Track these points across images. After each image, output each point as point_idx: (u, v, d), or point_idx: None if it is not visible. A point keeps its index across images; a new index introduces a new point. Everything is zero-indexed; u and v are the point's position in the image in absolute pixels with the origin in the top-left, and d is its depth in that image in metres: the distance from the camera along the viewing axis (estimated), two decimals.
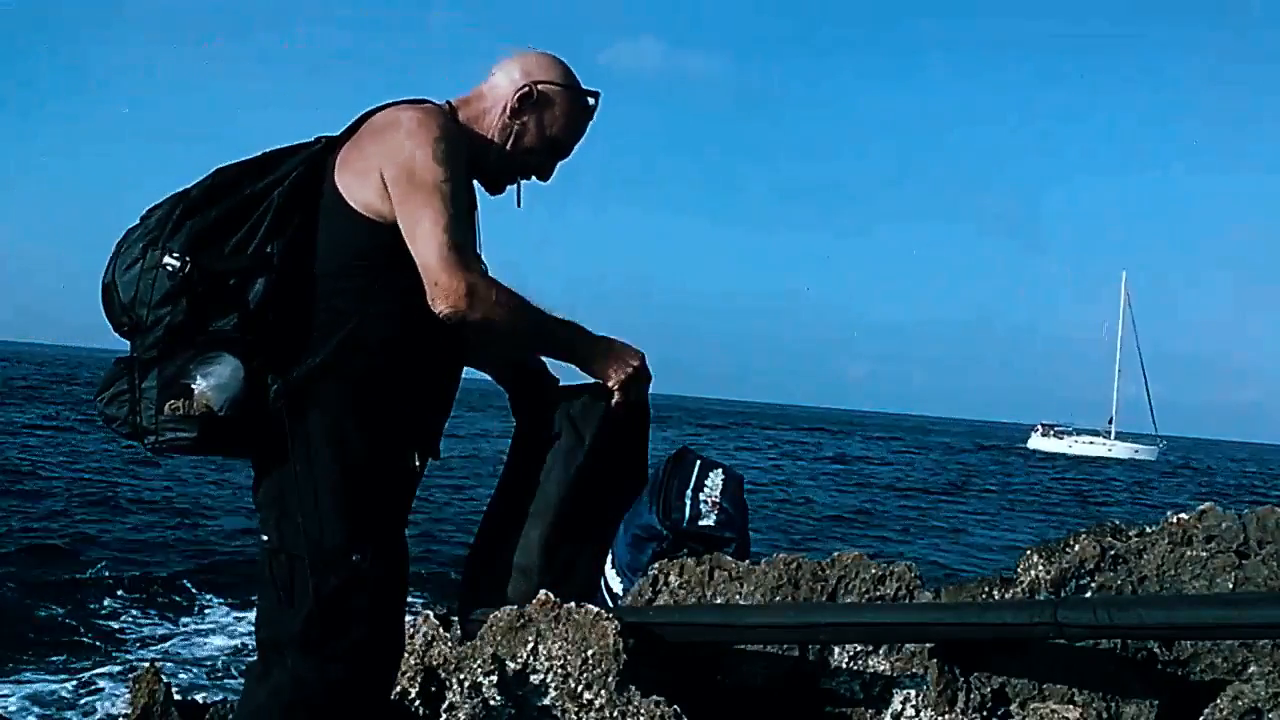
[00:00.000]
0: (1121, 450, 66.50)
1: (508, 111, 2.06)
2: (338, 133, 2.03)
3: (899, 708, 2.22)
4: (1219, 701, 2.07)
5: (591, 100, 2.13)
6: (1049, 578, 2.27)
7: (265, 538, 1.95)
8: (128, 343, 1.95)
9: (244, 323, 1.88)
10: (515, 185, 2.14)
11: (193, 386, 1.86)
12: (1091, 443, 68.10)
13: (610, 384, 2.19)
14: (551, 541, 2.41)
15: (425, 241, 1.88)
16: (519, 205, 2.15)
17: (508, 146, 2.07)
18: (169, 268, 1.85)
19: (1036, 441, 69.48)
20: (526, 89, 2.06)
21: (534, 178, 2.15)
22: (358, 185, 1.93)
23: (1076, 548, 2.33)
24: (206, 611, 10.03)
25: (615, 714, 2.19)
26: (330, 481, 1.90)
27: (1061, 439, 69.07)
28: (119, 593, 10.51)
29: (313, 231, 1.95)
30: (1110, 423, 70.72)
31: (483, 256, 2.04)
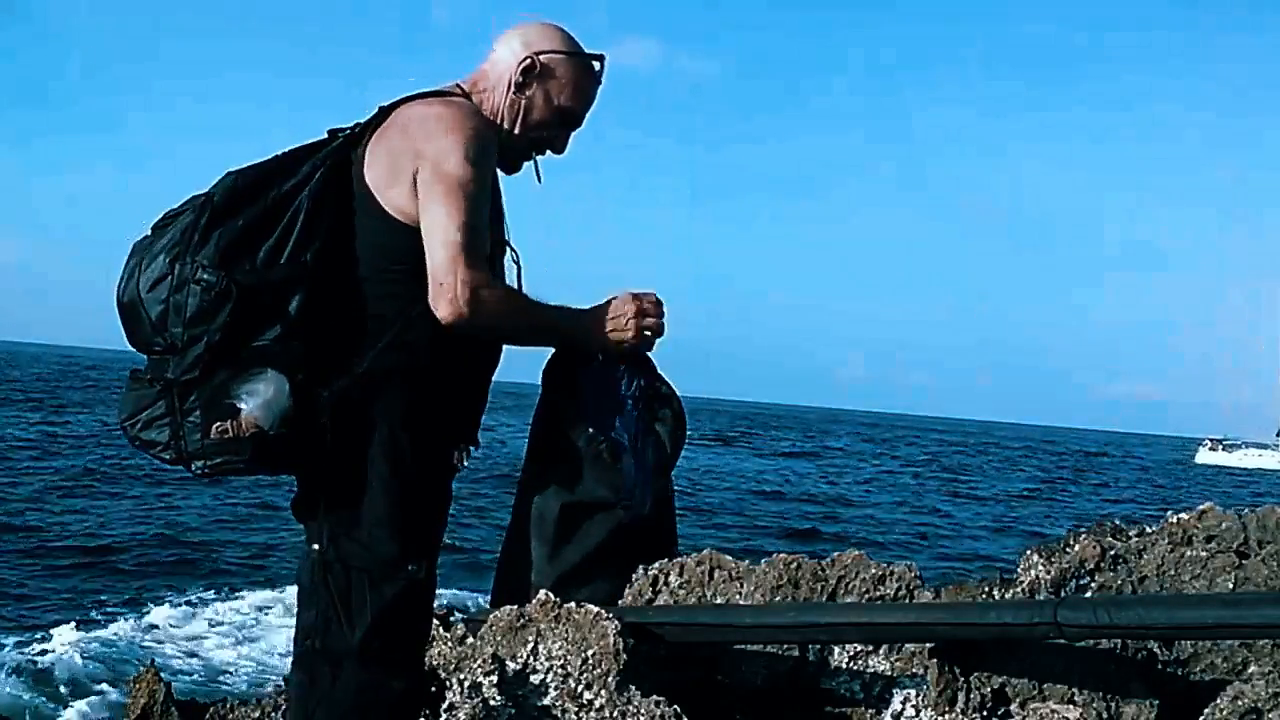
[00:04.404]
0: None
1: (512, 87, 2.00)
2: (349, 126, 1.96)
3: (899, 708, 2.22)
4: (1219, 701, 2.07)
5: (597, 64, 2.06)
6: (1049, 578, 2.27)
7: (315, 546, 1.90)
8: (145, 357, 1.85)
9: (285, 336, 1.80)
10: (533, 162, 2.09)
11: (239, 406, 1.79)
12: (1260, 455, 67.59)
13: (616, 349, 2.12)
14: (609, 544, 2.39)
15: (439, 241, 1.83)
16: (539, 181, 2.10)
17: (517, 123, 2.01)
18: (203, 283, 1.76)
19: (1204, 455, 69.05)
20: (528, 61, 2.00)
21: (549, 152, 2.09)
22: (391, 187, 1.88)
23: (1076, 548, 2.33)
24: (204, 612, 10.04)
25: (615, 714, 2.19)
26: (385, 491, 1.87)
27: (1230, 452, 68.51)
28: (117, 593, 10.51)
29: (346, 234, 1.89)
30: (1278, 435, 70.42)
31: (511, 244, 2.03)
